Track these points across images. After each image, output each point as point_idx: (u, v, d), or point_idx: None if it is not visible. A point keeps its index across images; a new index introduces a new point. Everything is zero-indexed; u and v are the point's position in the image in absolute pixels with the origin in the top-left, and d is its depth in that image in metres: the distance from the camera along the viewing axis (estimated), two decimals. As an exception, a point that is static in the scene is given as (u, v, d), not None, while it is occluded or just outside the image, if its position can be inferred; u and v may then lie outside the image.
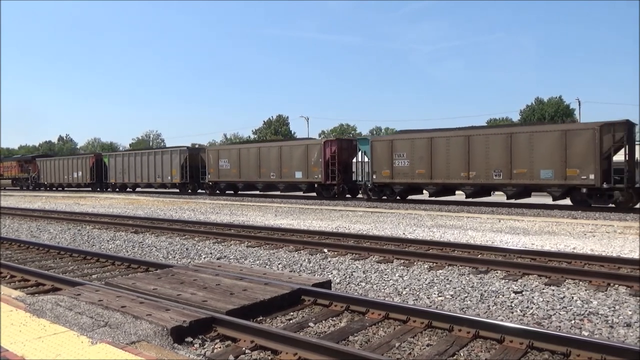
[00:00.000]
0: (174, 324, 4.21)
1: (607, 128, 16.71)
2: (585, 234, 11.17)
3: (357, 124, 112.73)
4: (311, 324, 4.79)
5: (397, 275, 7.10)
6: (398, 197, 22.63)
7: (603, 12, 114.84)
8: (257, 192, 29.18)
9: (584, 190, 17.29)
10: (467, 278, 6.82)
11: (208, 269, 6.53)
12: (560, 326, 4.83)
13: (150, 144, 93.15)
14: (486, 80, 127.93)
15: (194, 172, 31.57)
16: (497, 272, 7.12)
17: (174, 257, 9.04)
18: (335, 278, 6.98)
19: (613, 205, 17.02)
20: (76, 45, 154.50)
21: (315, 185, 25.35)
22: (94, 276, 7.42)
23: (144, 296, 5.15)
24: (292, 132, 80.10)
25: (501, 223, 13.41)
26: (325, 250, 9.09)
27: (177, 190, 33.41)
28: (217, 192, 30.43)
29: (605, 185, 16.77)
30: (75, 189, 41.44)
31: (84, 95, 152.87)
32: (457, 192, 21.99)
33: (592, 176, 16.82)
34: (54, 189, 43.46)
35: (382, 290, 6.36)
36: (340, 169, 24.51)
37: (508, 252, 8.46)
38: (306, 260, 8.33)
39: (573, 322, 4.94)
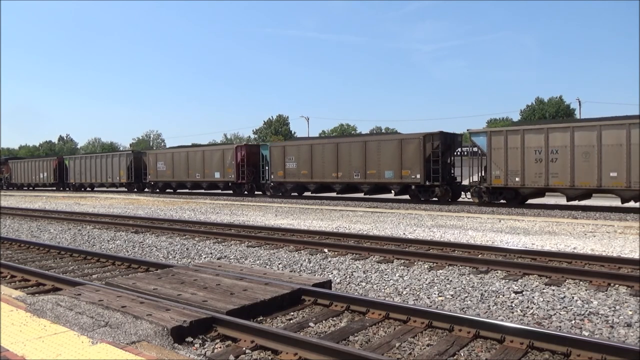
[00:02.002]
0: (174, 324, 4.21)
1: (428, 137, 21.12)
2: (586, 234, 11.17)
3: (357, 124, 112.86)
4: (311, 324, 4.79)
5: (397, 275, 7.10)
6: (295, 194, 26.57)
7: (603, 11, 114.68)
8: (188, 191, 33.32)
9: (413, 187, 21.64)
10: (468, 278, 6.82)
11: (208, 269, 6.53)
12: (560, 326, 4.83)
13: (151, 144, 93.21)
14: (486, 80, 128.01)
15: (138, 173, 35.31)
16: (497, 272, 7.12)
17: (174, 257, 9.04)
18: (335, 278, 6.98)
19: (436, 199, 21.13)
20: (77, 45, 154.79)
21: (230, 184, 29.24)
22: (94, 276, 7.42)
23: (144, 296, 5.15)
24: (293, 132, 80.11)
25: (501, 223, 13.41)
26: (326, 250, 9.09)
27: (125, 189, 37.02)
28: (157, 190, 33.97)
29: (427, 183, 21.06)
30: (41, 188, 44.27)
31: (85, 95, 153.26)
32: (356, 190, 25.00)
33: (418, 176, 21.27)
34: (24, 188, 46.21)
35: (383, 290, 6.36)
36: (251, 170, 28.54)
37: (508, 252, 8.46)
38: (306, 260, 8.33)
39: (573, 322, 4.93)
